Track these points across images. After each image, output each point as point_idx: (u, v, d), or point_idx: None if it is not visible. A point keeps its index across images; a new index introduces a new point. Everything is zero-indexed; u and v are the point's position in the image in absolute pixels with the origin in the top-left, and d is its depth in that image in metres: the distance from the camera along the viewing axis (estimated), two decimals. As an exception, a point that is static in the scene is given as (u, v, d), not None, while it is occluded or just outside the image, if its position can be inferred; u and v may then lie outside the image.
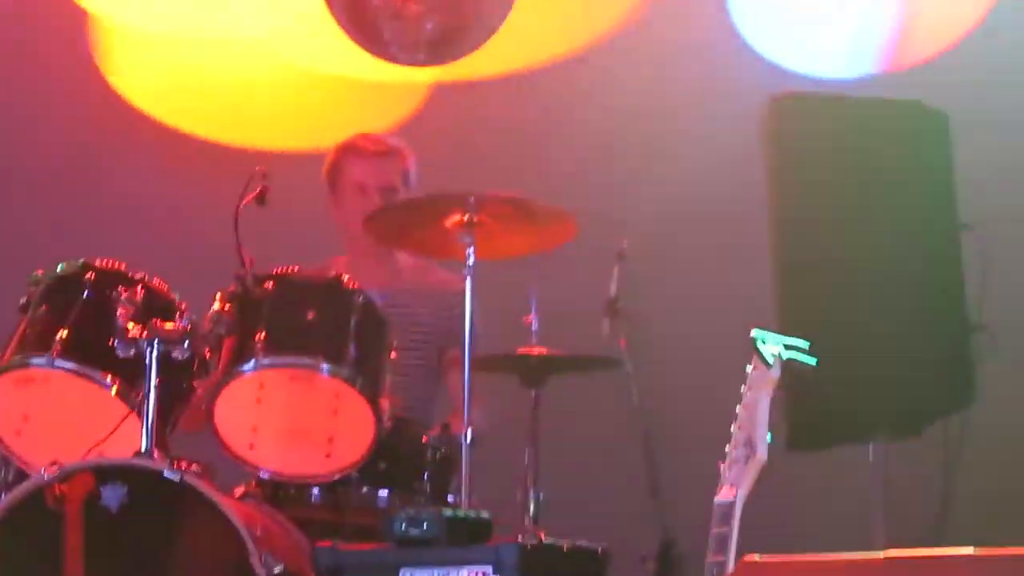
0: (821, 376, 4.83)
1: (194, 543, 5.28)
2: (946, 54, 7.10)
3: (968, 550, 3.56)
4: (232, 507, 5.26)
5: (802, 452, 5.77)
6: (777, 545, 3.80)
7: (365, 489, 5.76)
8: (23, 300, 5.74)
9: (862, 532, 5.81)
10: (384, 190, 6.31)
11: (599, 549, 5.46)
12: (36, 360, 5.58)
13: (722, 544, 4.22)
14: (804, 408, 5.71)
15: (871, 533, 5.83)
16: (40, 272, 5.74)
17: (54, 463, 5.34)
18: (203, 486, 5.28)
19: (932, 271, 6.06)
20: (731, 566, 4.00)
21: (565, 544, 5.38)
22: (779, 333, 4.26)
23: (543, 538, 5.37)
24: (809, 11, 7.19)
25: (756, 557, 3.84)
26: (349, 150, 6.46)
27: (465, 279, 5.65)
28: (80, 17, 7.74)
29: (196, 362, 5.65)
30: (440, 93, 7.34)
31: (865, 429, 6.09)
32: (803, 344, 4.19)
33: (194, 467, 5.40)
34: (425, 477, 5.81)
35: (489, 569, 5.10)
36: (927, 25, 7.17)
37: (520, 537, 5.32)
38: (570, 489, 5.78)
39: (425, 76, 7.33)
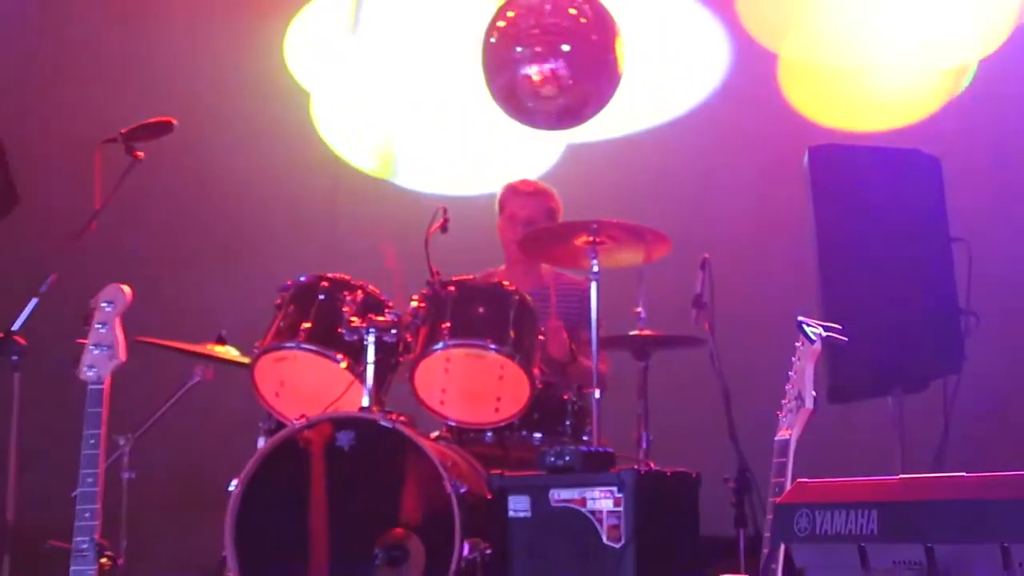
0: (853, 348, 4.89)
1: (403, 472, 5.32)
2: (941, 112, 7.07)
3: (961, 474, 3.60)
4: (429, 446, 5.33)
5: (839, 404, 5.78)
6: (821, 472, 3.84)
7: (524, 433, 5.77)
8: (277, 301, 5.81)
9: (884, 463, 5.79)
10: (530, 222, 6.29)
11: (693, 473, 5.44)
12: (288, 344, 5.67)
13: (781, 470, 4.26)
14: (839, 371, 5.72)
15: (890, 463, 5.82)
16: (289, 282, 5.85)
17: (302, 416, 5.45)
18: (408, 431, 5.34)
19: (932, 271, 6.07)
20: (788, 486, 4.05)
21: (668, 470, 5.40)
22: (818, 319, 4.32)
23: (652, 466, 5.41)
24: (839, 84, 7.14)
25: (805, 480, 3.90)
26: (510, 190, 6.48)
27: (591, 282, 5.72)
28: (304, 96, 7.83)
29: (401, 344, 5.70)
30: (570, 149, 7.36)
31: (885, 386, 6.08)
32: (836, 327, 4.24)
33: (402, 418, 5.46)
34: (567, 423, 5.80)
35: (614, 489, 5.09)
36: (926, 89, 7.14)
37: (635, 466, 5.33)
38: (670, 432, 5.79)
39: (559, 137, 7.34)
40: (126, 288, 4.54)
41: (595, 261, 5.68)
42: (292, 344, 5.68)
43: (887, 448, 6.03)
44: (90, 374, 4.46)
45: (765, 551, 4.09)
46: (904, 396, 6.08)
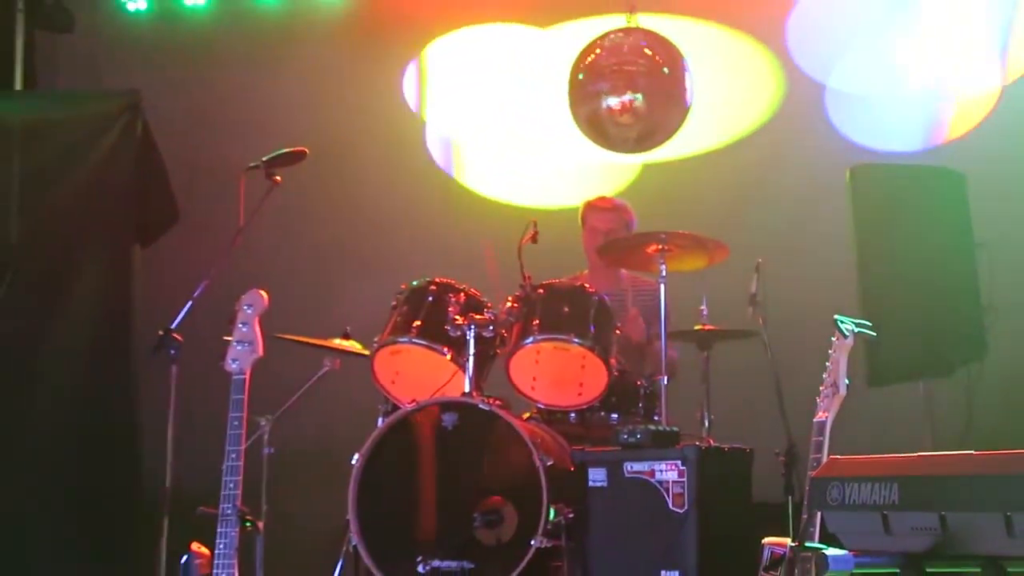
0: (888, 340, 4.89)
1: (498, 447, 5.33)
2: (968, 134, 6.99)
3: (970, 452, 3.60)
4: (521, 425, 5.34)
5: (877, 387, 5.75)
6: (862, 448, 3.85)
7: (602, 414, 5.78)
8: (393, 303, 5.83)
9: (917, 441, 5.75)
10: (609, 233, 6.28)
11: (748, 449, 5.44)
12: (402, 339, 5.69)
13: (819, 448, 4.25)
14: (877, 359, 5.70)
15: (921, 442, 5.78)
16: (404, 286, 5.89)
17: (413, 400, 5.50)
18: (503, 413, 5.36)
19: (958, 273, 6.04)
20: (824, 460, 4.06)
21: (726, 446, 5.39)
22: (852, 318, 4.32)
23: (712, 443, 5.43)
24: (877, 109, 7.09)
25: (837, 456, 3.91)
26: (591, 206, 6.47)
27: (661, 284, 5.74)
28: (419, 125, 7.88)
29: (498, 338, 5.69)
30: (646, 169, 7.36)
31: (917, 372, 6.06)
32: (867, 323, 4.24)
33: (498, 401, 5.46)
34: (639, 405, 5.80)
35: (679, 463, 5.09)
36: (955, 114, 7.06)
37: (697, 442, 5.34)
38: (729, 412, 5.79)
39: (636, 159, 7.34)
40: (263, 293, 4.62)
41: (664, 266, 5.70)
42: (405, 339, 5.71)
43: (919, 427, 6.01)
44: (234, 366, 4.54)
45: (804, 517, 4.10)
46: (933, 381, 6.07)
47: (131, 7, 8.06)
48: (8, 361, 7.03)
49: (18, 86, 8.35)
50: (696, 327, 5.85)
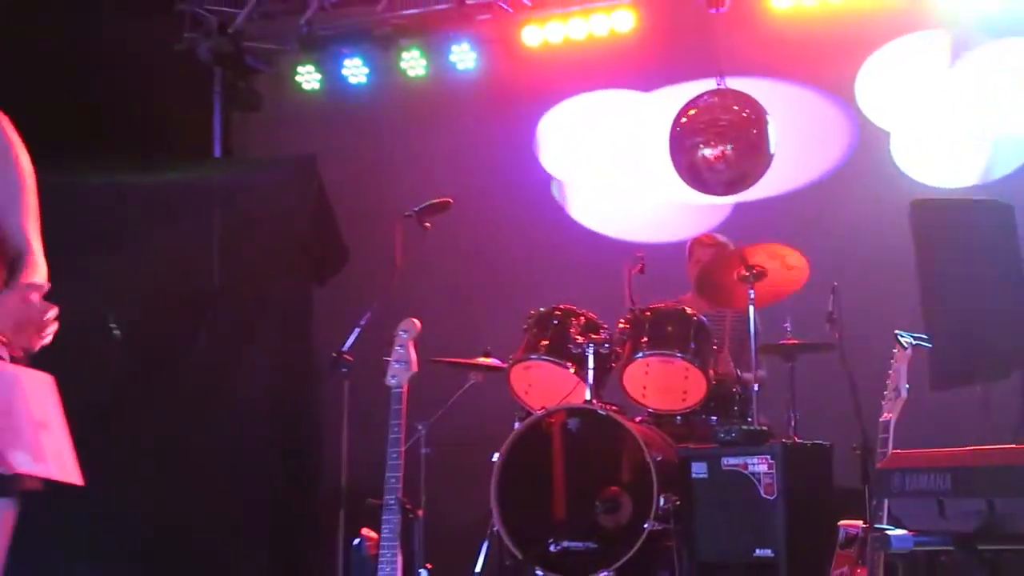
0: (947, 349, 4.82)
1: (615, 446, 5.35)
2: (1016, 170, 6.87)
3: (1013, 446, 3.57)
4: (634, 427, 5.38)
5: (938, 392, 5.67)
6: (926, 443, 3.81)
7: (703, 416, 5.76)
8: (524, 326, 5.86)
9: (975, 438, 5.63)
10: (712, 265, 6.13)
11: (828, 444, 5.44)
12: (532, 356, 5.75)
13: (884, 444, 4.27)
14: (937, 367, 5.62)
15: (979, 438, 5.67)
16: (533, 311, 5.92)
17: (543, 408, 5.55)
18: (618, 417, 5.40)
19: (1009, 290, 5.92)
20: (888, 454, 4.05)
21: (809, 442, 5.38)
22: (912, 333, 4.30)
23: (797, 439, 5.40)
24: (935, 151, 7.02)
25: (899, 451, 3.90)
26: (697, 241, 6.45)
27: (750, 305, 5.69)
28: (548, 180, 7.96)
29: (613, 354, 5.71)
30: (737, 207, 7.34)
31: (972, 377, 5.95)
32: (924, 337, 4.23)
33: (613, 407, 5.51)
34: (735, 408, 5.77)
35: (768, 457, 5.11)
36: (1004, 152, 6.95)
37: (784, 439, 5.33)
38: (812, 413, 5.71)
39: (728, 200, 7.33)
40: (416, 320, 4.72)
41: (752, 292, 5.64)
42: (535, 356, 5.77)
43: (977, 425, 5.88)
44: (393, 382, 4.63)
45: (873, 503, 4.10)
46: (990, 384, 5.95)
47: (306, 86, 8.21)
48: (212, 381, 7.26)
49: (217, 155, 8.63)
50: (782, 341, 5.79)
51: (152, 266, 7.10)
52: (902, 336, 4.32)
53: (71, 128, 6.49)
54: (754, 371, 5.64)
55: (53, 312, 2.50)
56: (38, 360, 2.45)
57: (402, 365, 4.65)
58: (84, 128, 6.84)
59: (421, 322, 4.75)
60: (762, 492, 5.08)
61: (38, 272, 2.69)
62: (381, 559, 4.46)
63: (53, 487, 2.42)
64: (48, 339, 2.48)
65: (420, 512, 5.04)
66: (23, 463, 2.29)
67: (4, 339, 2.40)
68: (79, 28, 6.89)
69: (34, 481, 2.59)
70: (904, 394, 4.24)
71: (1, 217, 2.74)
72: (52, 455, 2.23)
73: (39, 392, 2.17)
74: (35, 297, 2.51)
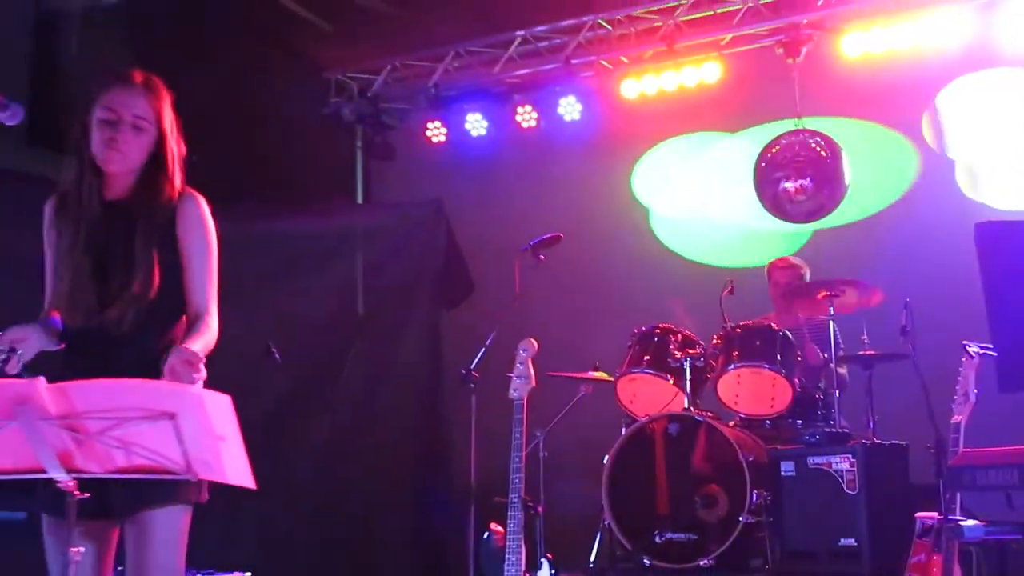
0: (1013, 355, 4.68)
1: (711, 448, 5.34)
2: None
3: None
4: (728, 431, 5.36)
5: (1006, 393, 5.51)
6: (995, 443, 3.74)
7: (790, 420, 5.71)
8: (628, 343, 5.85)
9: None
10: (788, 284, 6.14)
11: (904, 444, 5.35)
12: (636, 370, 5.79)
13: (955, 443, 4.20)
14: (1004, 372, 5.47)
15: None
16: (636, 330, 5.92)
17: (647, 415, 5.59)
18: (714, 422, 5.40)
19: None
20: (959, 452, 3.98)
21: (887, 442, 5.28)
22: (979, 343, 4.22)
23: (876, 440, 5.29)
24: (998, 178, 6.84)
25: (968, 449, 3.83)
26: (773, 265, 6.38)
27: (830, 321, 5.66)
28: (644, 211, 7.94)
29: (708, 367, 5.70)
30: (815, 234, 7.24)
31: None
32: (990, 346, 4.14)
33: (709, 414, 5.50)
34: (818, 412, 5.71)
35: (850, 456, 5.05)
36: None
37: (864, 440, 5.24)
38: (889, 416, 5.56)
39: (808, 227, 7.26)
40: (534, 341, 4.77)
41: (832, 308, 5.61)
42: (639, 370, 5.79)
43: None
44: (515, 395, 4.69)
45: (946, 496, 4.02)
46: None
47: (434, 139, 8.30)
48: (359, 396, 7.40)
49: (359, 200, 8.82)
50: (860, 352, 5.69)
51: (307, 298, 7.29)
52: (969, 346, 4.24)
53: (243, 182, 6.69)
54: (834, 376, 5.55)
55: (200, 376, 2.64)
56: (217, 381, 2.56)
57: (523, 380, 4.70)
58: (252, 181, 7.04)
59: (538, 342, 4.79)
60: (845, 488, 5.02)
61: (208, 334, 2.88)
62: (508, 550, 4.51)
63: (230, 491, 2.54)
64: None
65: (540, 509, 5.10)
66: (203, 471, 2.38)
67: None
68: (247, 97, 7.12)
69: (201, 494, 2.76)
70: (972, 398, 4.17)
71: (192, 285, 2.93)
72: (229, 463, 2.32)
73: (219, 410, 2.27)
74: (191, 360, 2.64)
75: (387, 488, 7.28)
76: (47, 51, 7.76)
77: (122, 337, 2.83)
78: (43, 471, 2.37)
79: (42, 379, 2.21)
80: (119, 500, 2.72)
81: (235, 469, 2.35)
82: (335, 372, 7.34)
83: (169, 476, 2.38)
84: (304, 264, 7.38)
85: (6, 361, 2.68)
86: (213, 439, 2.29)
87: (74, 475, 2.40)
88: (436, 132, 8.28)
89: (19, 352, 2.71)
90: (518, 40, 7.85)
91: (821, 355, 5.90)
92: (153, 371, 2.64)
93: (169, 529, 2.78)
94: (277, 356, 5.56)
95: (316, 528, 6.74)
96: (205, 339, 2.85)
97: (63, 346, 2.88)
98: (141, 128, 2.92)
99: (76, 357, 2.87)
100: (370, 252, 7.98)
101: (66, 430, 2.28)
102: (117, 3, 7.66)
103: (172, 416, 2.24)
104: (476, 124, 8.16)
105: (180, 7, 7.51)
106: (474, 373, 5.88)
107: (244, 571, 4.93)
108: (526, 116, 7.96)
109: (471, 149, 8.23)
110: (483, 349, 5.81)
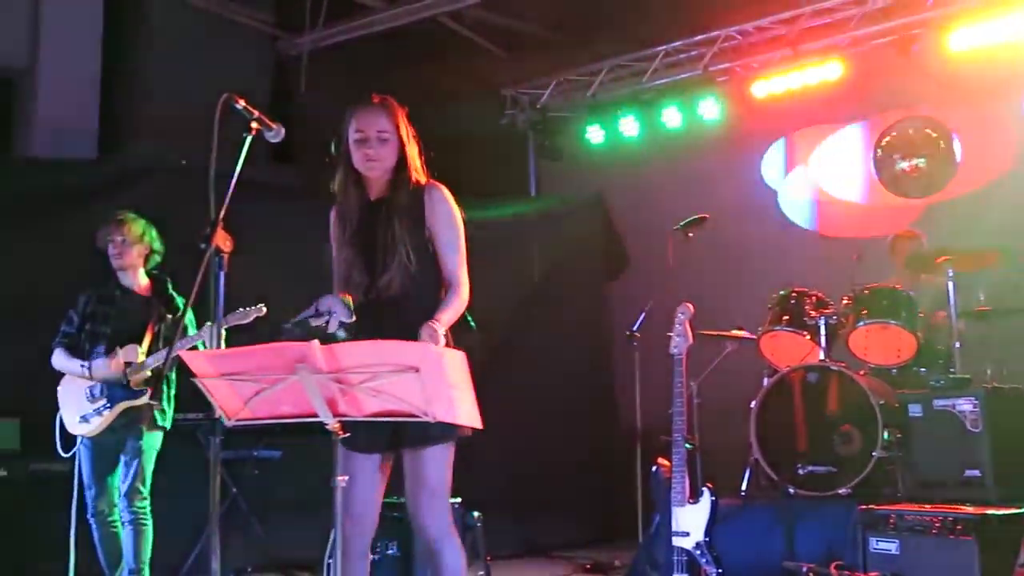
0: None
1: (846, 393, 5.11)
2: None
3: None
4: (860, 378, 5.12)
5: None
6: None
7: (914, 368, 5.46)
8: (768, 305, 5.66)
9: None
10: (911, 252, 5.80)
11: (1021, 387, 4.96)
12: (776, 327, 5.58)
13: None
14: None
15: None
16: (774, 293, 5.69)
17: (787, 365, 5.38)
18: (847, 371, 5.15)
19: None
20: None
21: (1006, 386, 4.92)
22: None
23: (995, 384, 4.94)
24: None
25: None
26: (897, 235, 6.08)
27: (949, 283, 5.28)
28: (772, 193, 7.68)
29: (840, 323, 5.42)
30: (930, 207, 6.86)
31: None
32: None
33: (842, 363, 5.22)
34: (939, 362, 5.40)
35: (973, 398, 4.75)
36: None
37: (985, 385, 4.90)
38: (1006, 363, 5.31)
39: (922, 201, 6.90)
40: (690, 305, 4.66)
41: (951, 271, 5.26)
42: (779, 327, 5.60)
43: None
44: (675, 351, 4.51)
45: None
46: None
47: (594, 141, 8.28)
48: (535, 354, 7.42)
49: (532, 194, 8.86)
50: (976, 308, 5.42)
51: (493, 275, 7.31)
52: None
53: (443, 182, 6.72)
54: (954, 331, 5.24)
55: (439, 342, 2.79)
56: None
57: (681, 338, 4.58)
58: (447, 183, 7.09)
59: (694, 305, 4.67)
60: (968, 427, 4.76)
61: (456, 302, 3.00)
62: (673, 480, 4.42)
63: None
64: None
65: (697, 444, 5.02)
66: (440, 414, 2.41)
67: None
68: (440, 115, 7.21)
69: (465, 429, 2.81)
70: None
71: (443, 259, 3.04)
72: (461, 408, 2.35)
73: (455, 364, 2.29)
74: (431, 334, 2.81)
75: (564, 430, 7.29)
76: (282, 87, 8.13)
77: (390, 304, 2.93)
78: (315, 415, 2.44)
79: (315, 341, 2.27)
80: (407, 438, 2.88)
81: (466, 412, 2.37)
82: (519, 334, 7.34)
83: (411, 418, 2.42)
84: (490, 247, 7.37)
85: (327, 322, 2.80)
86: (448, 388, 2.31)
87: (338, 419, 2.46)
88: (595, 134, 8.24)
89: (335, 314, 2.83)
90: (662, 54, 7.80)
91: (941, 312, 5.60)
92: (413, 333, 2.77)
93: (441, 460, 2.96)
94: (473, 324, 5.61)
95: (507, 463, 6.79)
96: (454, 307, 2.95)
97: (354, 319, 2.96)
98: (385, 139, 3.01)
99: (357, 322, 2.96)
100: (542, 236, 8.01)
101: (334, 382, 2.33)
102: (335, 46, 7.94)
103: (416, 370, 2.27)
104: (629, 126, 8.08)
105: (383, 47, 7.73)
106: (636, 334, 5.84)
107: (455, 497, 4.99)
108: (671, 118, 7.87)
109: (625, 148, 8.15)
110: (643, 314, 5.76)
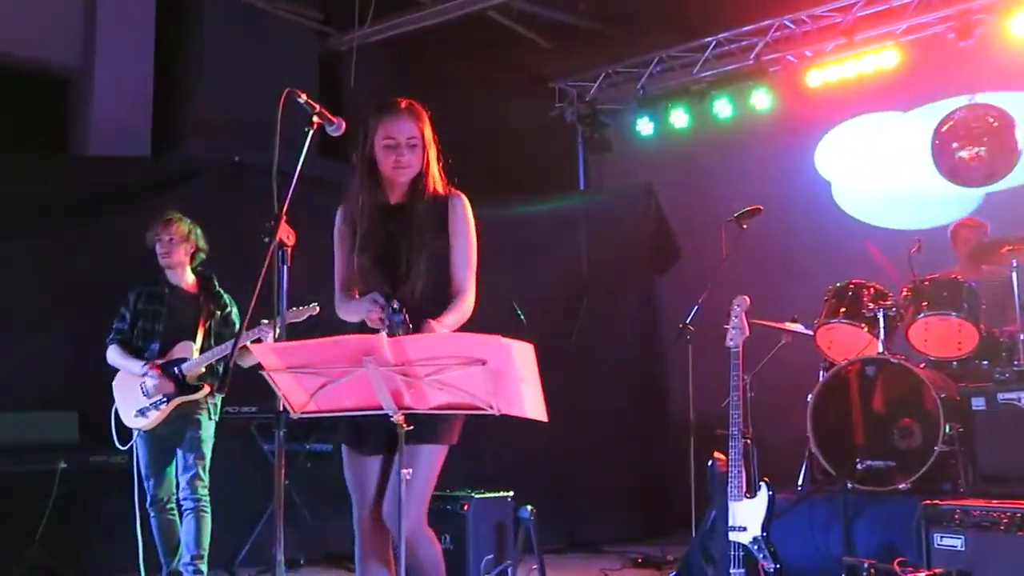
0: None
1: (905, 386, 4.97)
2: None
3: None
4: (920, 370, 5.01)
5: None
6: None
7: (976, 361, 5.27)
8: (825, 297, 5.53)
9: None
10: (974, 242, 5.73)
11: None
12: (833, 320, 5.44)
13: None
14: None
15: None
16: (831, 286, 5.58)
17: (844, 359, 5.29)
18: (907, 363, 5.05)
19: None
20: None
21: None
22: None
23: None
24: None
25: None
26: (959, 224, 5.95)
27: (1012, 273, 5.15)
28: (827, 184, 7.59)
29: (898, 315, 5.30)
30: (988, 197, 6.74)
31: None
32: None
33: (900, 356, 5.10)
34: (1003, 354, 5.22)
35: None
36: None
37: None
38: None
39: (981, 190, 6.76)
40: (747, 297, 4.60)
41: (1015, 261, 5.15)
42: (836, 320, 5.48)
43: None
44: (731, 343, 4.47)
45: None
46: None
47: (643, 132, 8.25)
48: (585, 348, 7.39)
49: (582, 187, 8.83)
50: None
51: (543, 268, 7.34)
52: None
53: (493, 177, 6.79)
54: (1020, 322, 5.12)
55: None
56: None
57: (737, 331, 4.53)
58: (498, 175, 7.17)
59: (750, 297, 4.62)
60: (1034, 419, 4.63)
61: (460, 310, 2.94)
62: (730, 475, 4.37)
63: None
64: None
65: (751, 436, 4.94)
66: (505, 407, 2.40)
67: None
68: (489, 109, 7.27)
69: (455, 437, 2.89)
70: None
71: (455, 268, 3.00)
72: (528, 401, 2.34)
73: (523, 356, 2.28)
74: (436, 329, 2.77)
75: (615, 423, 7.27)
76: (330, 83, 8.19)
77: (412, 311, 2.88)
78: (380, 408, 2.45)
79: (383, 334, 2.28)
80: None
81: (532, 405, 2.36)
82: (568, 327, 7.32)
83: (476, 411, 2.42)
84: (540, 240, 7.44)
85: (400, 315, 2.78)
86: (515, 381, 2.30)
87: (403, 411, 2.47)
88: (644, 126, 8.21)
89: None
90: (712, 44, 7.71)
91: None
92: None
93: (430, 460, 2.90)
94: (522, 316, 5.59)
95: (559, 456, 6.77)
96: (454, 315, 2.92)
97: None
98: (414, 145, 3.01)
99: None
100: (592, 228, 7.97)
101: (400, 375, 2.34)
102: (383, 42, 7.98)
103: (483, 363, 2.27)
104: (679, 118, 8.04)
105: (431, 42, 7.76)
106: (689, 327, 5.78)
107: (507, 491, 4.98)
108: (722, 108, 7.81)
109: (675, 139, 8.11)
110: (696, 306, 5.69)
